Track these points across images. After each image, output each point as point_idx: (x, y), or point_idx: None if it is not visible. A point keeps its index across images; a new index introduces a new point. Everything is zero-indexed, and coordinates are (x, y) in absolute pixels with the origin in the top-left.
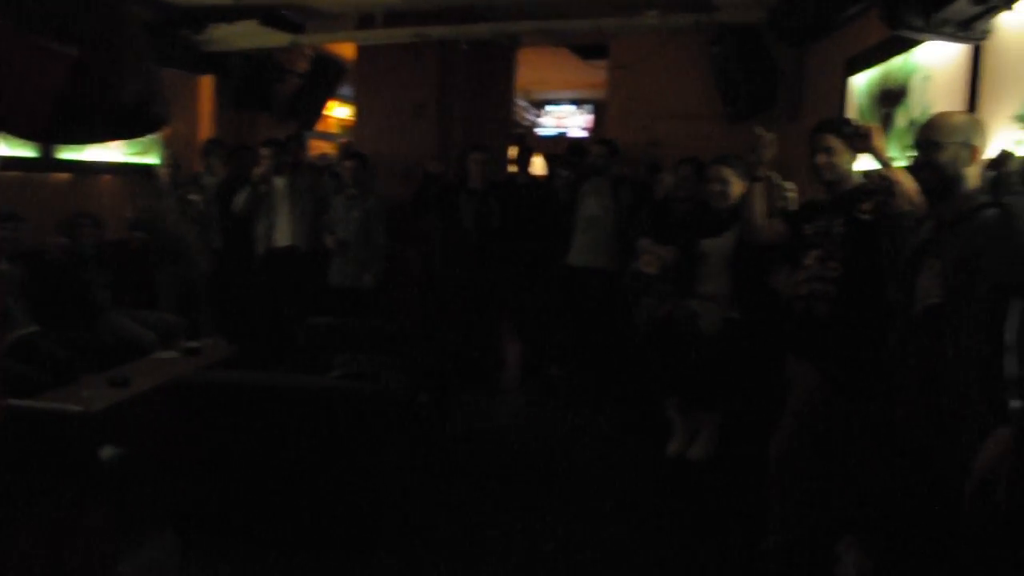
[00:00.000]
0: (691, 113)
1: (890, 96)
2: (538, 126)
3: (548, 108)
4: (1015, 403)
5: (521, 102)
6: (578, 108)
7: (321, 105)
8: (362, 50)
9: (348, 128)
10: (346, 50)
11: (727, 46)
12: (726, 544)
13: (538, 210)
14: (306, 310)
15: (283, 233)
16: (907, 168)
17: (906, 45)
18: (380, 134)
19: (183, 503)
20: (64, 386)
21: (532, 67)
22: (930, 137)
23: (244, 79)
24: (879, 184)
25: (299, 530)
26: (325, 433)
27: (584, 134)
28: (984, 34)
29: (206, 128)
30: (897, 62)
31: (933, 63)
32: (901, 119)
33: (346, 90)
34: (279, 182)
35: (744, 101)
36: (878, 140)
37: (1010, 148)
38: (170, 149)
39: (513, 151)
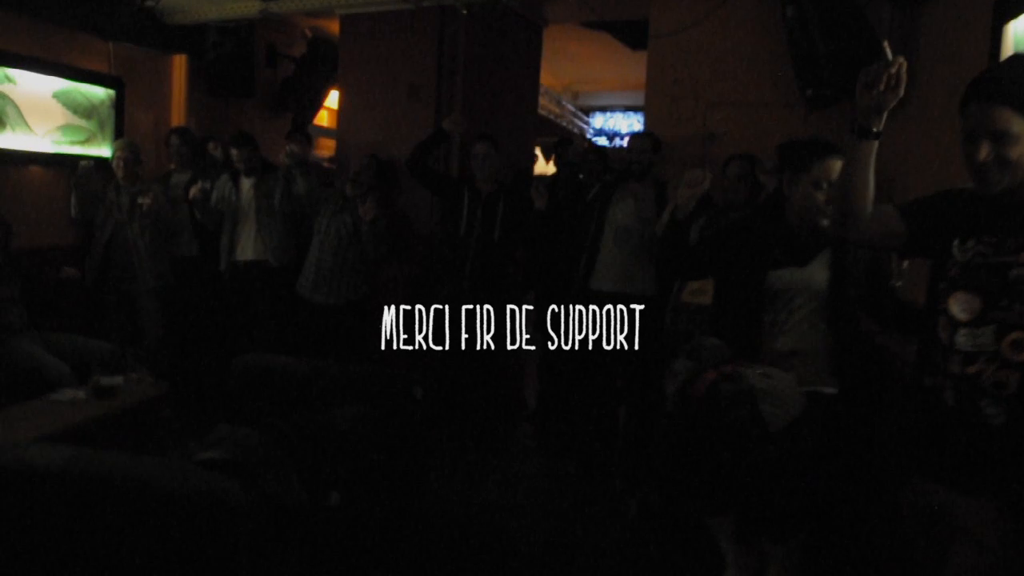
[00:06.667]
0: (754, 99)
1: None
2: (586, 133)
3: (597, 115)
4: None
5: (568, 105)
6: (631, 116)
7: (319, 95)
8: (346, 21)
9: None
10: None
11: (804, 4)
12: None
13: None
14: (275, 334)
15: (247, 245)
16: None
17: None
18: (366, 121)
19: None
20: None
21: (575, 60)
22: None
23: (220, 60)
24: None
25: None
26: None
27: None
28: None
29: (179, 117)
30: None
31: None
32: None
33: None
34: (246, 184)
35: (828, 78)
36: None
37: None
38: (128, 138)
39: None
